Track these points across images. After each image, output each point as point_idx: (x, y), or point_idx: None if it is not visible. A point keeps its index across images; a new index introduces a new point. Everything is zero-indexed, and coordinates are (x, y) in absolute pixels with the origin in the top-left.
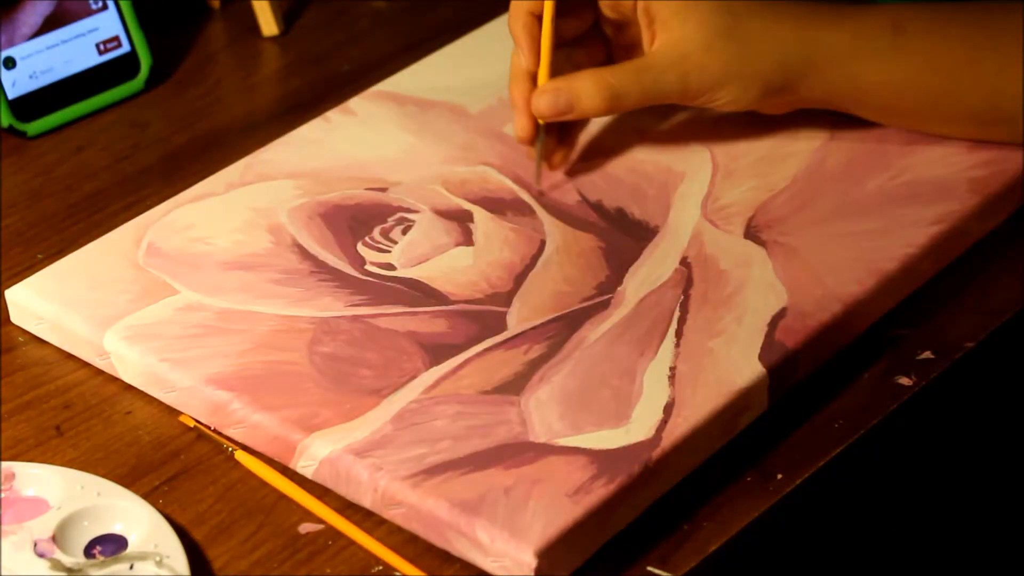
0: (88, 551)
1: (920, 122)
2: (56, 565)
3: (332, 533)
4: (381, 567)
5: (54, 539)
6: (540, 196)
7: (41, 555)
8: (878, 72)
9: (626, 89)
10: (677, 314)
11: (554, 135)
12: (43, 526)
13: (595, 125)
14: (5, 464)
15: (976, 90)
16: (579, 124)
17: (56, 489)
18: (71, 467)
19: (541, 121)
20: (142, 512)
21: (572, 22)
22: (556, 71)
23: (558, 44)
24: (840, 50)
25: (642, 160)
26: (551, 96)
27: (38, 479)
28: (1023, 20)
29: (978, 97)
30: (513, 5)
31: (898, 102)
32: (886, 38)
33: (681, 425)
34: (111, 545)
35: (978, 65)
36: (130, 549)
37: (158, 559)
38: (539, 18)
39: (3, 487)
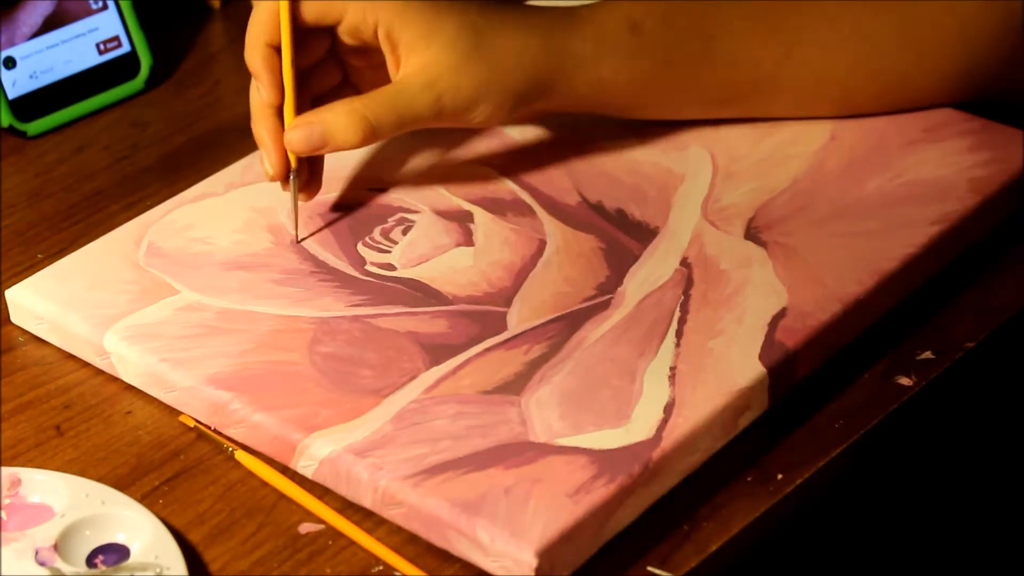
0: (90, 560)
1: (660, 112)
2: (57, 574)
3: (332, 533)
4: (381, 567)
5: (56, 547)
6: (295, 244)
7: (42, 563)
8: (621, 73)
9: (381, 119)
10: (677, 314)
11: (304, 169)
12: (46, 534)
13: (595, 124)
14: (11, 470)
15: (711, 78)
16: (323, 156)
17: (61, 496)
18: (71, 467)
19: (292, 158)
20: (145, 522)
21: (306, 51)
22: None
23: (299, 79)
24: (584, 56)
25: (642, 161)
26: (304, 131)
27: (44, 485)
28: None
29: (713, 84)
30: (248, 38)
31: (641, 98)
32: (624, 39)
33: (681, 425)
34: (113, 555)
35: (711, 55)
36: (132, 559)
37: (158, 570)
38: (277, 49)
39: (8, 493)
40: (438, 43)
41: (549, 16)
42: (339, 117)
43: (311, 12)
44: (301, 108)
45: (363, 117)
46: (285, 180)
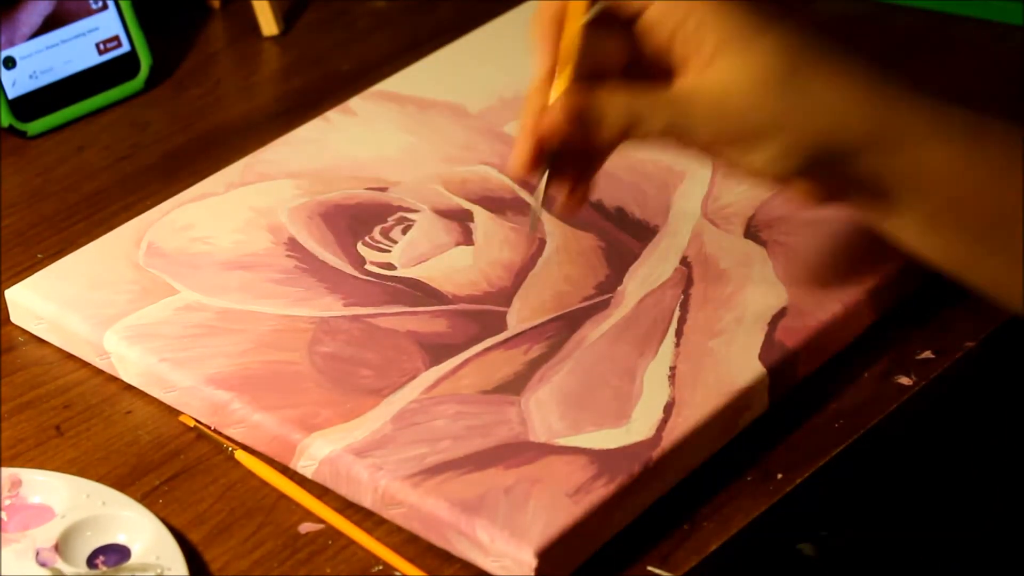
0: (91, 561)
1: (967, 245)
2: (57, 575)
3: (332, 533)
4: (381, 567)
5: (56, 548)
6: (540, 241)
7: (43, 564)
8: (953, 164)
9: (649, 122)
10: (677, 313)
11: (568, 171)
12: (46, 534)
13: None
14: (12, 470)
15: None
16: (596, 162)
17: (62, 497)
18: (71, 467)
19: (547, 150)
20: (146, 522)
21: (605, 53)
22: None
23: (589, 76)
24: (915, 130)
25: (642, 159)
26: (560, 114)
27: (44, 486)
28: None
29: None
30: (540, 5)
31: (961, 208)
32: (971, 132)
33: (681, 425)
34: (114, 555)
35: None
36: (132, 560)
37: (159, 571)
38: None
39: (9, 494)
40: (745, 56)
41: (883, 73)
42: (609, 97)
43: None
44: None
45: (631, 113)
46: (532, 173)
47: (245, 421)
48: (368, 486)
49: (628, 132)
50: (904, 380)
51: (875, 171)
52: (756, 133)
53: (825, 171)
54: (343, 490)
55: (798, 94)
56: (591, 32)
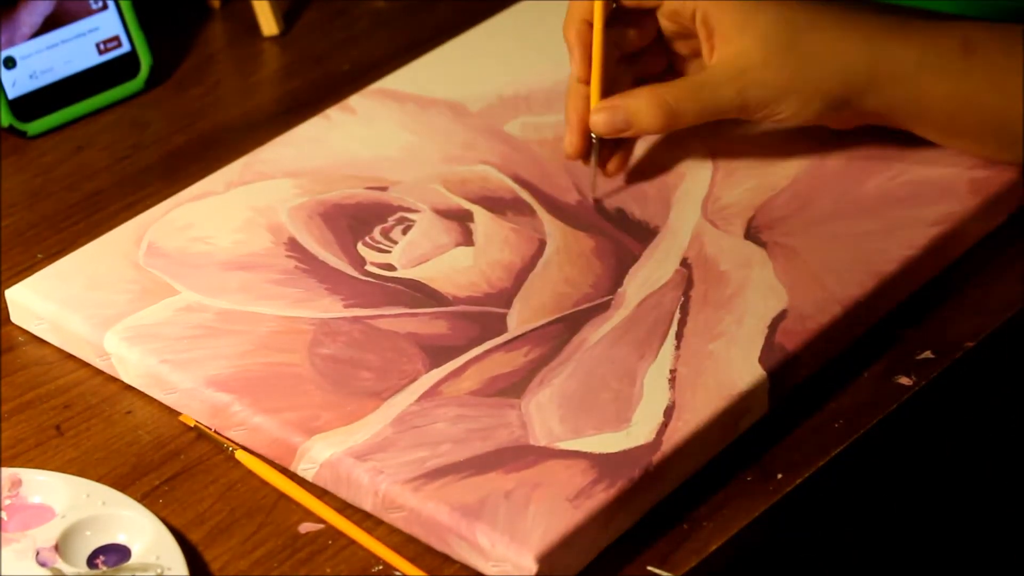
0: (91, 561)
1: (979, 145)
2: (58, 575)
3: (332, 533)
4: (381, 567)
5: (57, 548)
6: (595, 202)
7: (43, 564)
8: (943, 90)
9: (683, 107)
10: (677, 316)
11: (609, 143)
12: (47, 534)
13: None
14: (12, 471)
15: None
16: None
17: (62, 497)
18: (71, 467)
19: (595, 138)
20: (146, 522)
21: (633, 34)
22: (616, 83)
23: (619, 56)
24: (906, 67)
25: (642, 159)
26: (607, 114)
27: (44, 486)
28: None
29: None
30: (568, 12)
31: (960, 122)
32: (955, 56)
33: (681, 429)
34: (114, 555)
35: None
36: (133, 560)
37: (159, 571)
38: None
39: (9, 494)
40: (751, 34)
41: (874, 19)
42: (642, 102)
43: None
44: (622, 91)
45: (666, 103)
46: (584, 159)
47: (245, 424)
48: (368, 490)
49: (668, 126)
50: (904, 380)
51: (882, 105)
52: (774, 97)
53: (843, 109)
54: (343, 493)
55: (801, 59)
56: (616, 26)
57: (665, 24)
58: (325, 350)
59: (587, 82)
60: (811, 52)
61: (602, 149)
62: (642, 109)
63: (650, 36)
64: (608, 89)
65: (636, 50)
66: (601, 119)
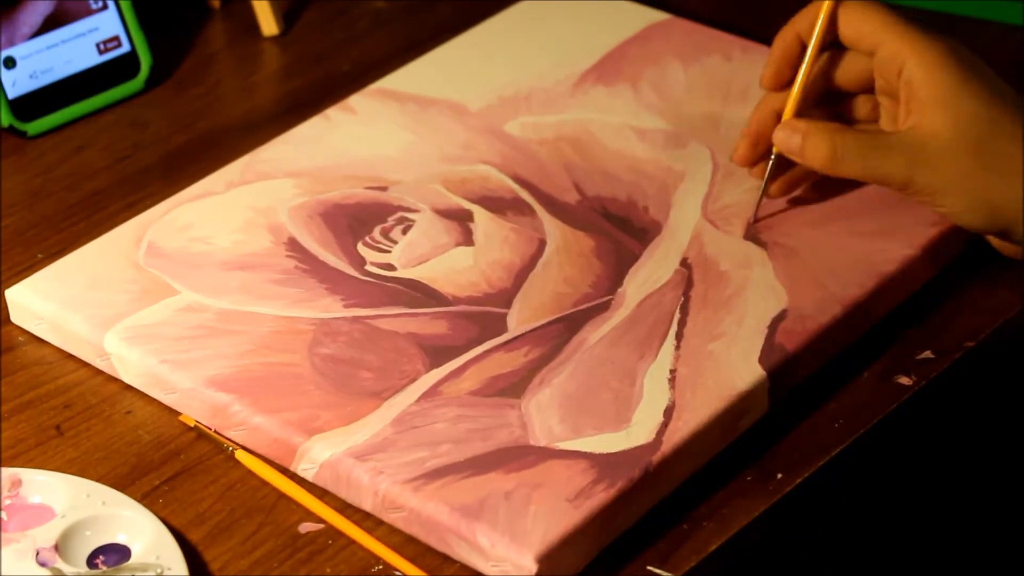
0: (91, 561)
1: None
2: (58, 575)
3: (332, 532)
4: (381, 566)
5: (56, 548)
6: (754, 221)
7: (43, 564)
8: None
9: (848, 159)
10: (677, 316)
11: (784, 162)
12: (46, 534)
13: (595, 123)
14: (12, 470)
15: None
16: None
17: (62, 497)
18: (71, 467)
19: (774, 154)
20: (146, 522)
21: (848, 75)
22: (816, 112)
23: (831, 94)
24: None
25: (642, 160)
26: (786, 132)
27: (44, 486)
28: None
29: None
30: (792, 19)
31: None
32: None
33: (681, 429)
34: (114, 555)
35: None
36: (133, 560)
37: (159, 571)
38: (805, 47)
39: (9, 493)
40: (950, 116)
41: None
42: (816, 136)
43: (849, 31)
44: (812, 117)
45: (833, 147)
46: (750, 166)
47: (245, 424)
48: (368, 490)
49: (826, 168)
50: (904, 380)
51: None
52: (943, 189)
53: (1008, 221)
54: (343, 493)
55: (981, 160)
56: (831, 55)
57: (875, 74)
58: (325, 350)
59: (771, 88)
60: (996, 163)
61: (776, 167)
62: (812, 141)
63: (859, 77)
64: (804, 111)
65: (846, 88)
66: (780, 136)
